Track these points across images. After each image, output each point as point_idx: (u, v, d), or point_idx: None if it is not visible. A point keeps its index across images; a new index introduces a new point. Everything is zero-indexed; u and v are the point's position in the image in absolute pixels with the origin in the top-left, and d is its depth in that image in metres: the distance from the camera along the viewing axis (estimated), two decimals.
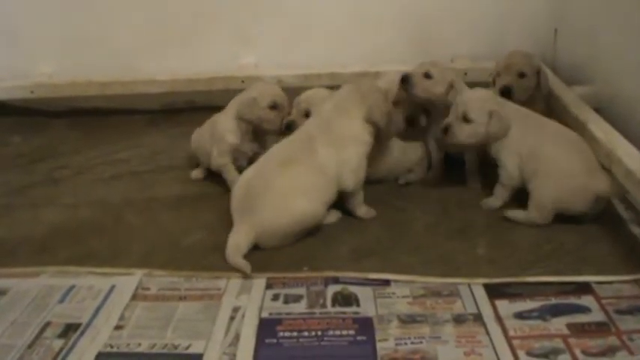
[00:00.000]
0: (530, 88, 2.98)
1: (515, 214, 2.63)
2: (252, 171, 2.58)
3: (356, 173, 2.63)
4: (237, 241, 2.40)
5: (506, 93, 2.92)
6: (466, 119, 2.66)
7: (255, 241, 2.43)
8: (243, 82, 3.69)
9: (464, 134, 2.67)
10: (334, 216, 2.66)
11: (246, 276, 2.31)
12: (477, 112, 2.65)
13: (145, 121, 3.89)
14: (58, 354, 1.97)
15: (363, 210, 2.70)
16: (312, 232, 2.53)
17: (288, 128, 2.82)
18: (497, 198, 2.74)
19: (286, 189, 2.47)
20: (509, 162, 2.66)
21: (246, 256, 2.38)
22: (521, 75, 2.97)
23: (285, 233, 2.46)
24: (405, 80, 2.86)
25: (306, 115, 2.82)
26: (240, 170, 2.77)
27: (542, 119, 2.74)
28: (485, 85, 3.10)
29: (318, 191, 2.53)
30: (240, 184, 2.55)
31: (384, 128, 2.69)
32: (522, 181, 2.65)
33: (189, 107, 3.99)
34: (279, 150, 2.63)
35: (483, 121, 2.64)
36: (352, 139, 2.63)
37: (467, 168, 2.95)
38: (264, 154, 2.66)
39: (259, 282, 2.30)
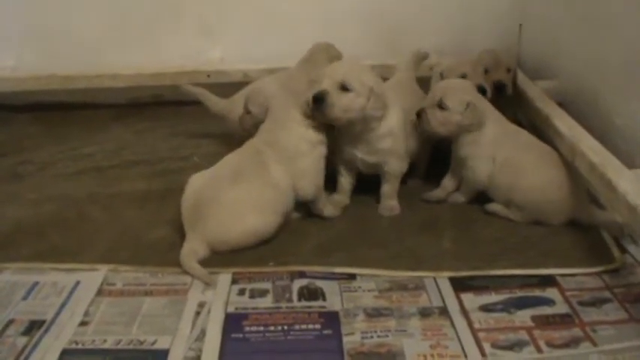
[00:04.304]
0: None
1: (495, 207, 2.64)
2: (201, 181, 2.48)
3: (313, 181, 2.58)
4: (193, 247, 2.36)
5: (500, 88, 2.98)
6: (441, 106, 2.63)
7: (210, 250, 2.39)
8: (208, 76, 3.68)
9: (437, 121, 2.63)
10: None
11: (205, 282, 2.26)
12: (454, 100, 2.62)
13: (109, 116, 3.86)
14: (21, 351, 1.94)
15: (329, 210, 2.66)
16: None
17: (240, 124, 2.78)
18: (463, 194, 2.75)
19: (236, 205, 2.39)
20: (480, 169, 2.64)
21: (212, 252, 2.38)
22: (508, 70, 3.08)
23: (238, 245, 2.40)
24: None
25: (248, 111, 2.76)
26: None
27: (519, 129, 2.74)
28: None
29: (271, 204, 2.44)
30: (188, 194, 2.46)
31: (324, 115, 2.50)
32: (488, 187, 2.65)
33: (155, 102, 3.96)
34: (230, 162, 2.54)
35: (459, 111, 2.61)
36: (300, 151, 2.54)
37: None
38: (216, 164, 2.55)
39: (225, 277, 2.29)
